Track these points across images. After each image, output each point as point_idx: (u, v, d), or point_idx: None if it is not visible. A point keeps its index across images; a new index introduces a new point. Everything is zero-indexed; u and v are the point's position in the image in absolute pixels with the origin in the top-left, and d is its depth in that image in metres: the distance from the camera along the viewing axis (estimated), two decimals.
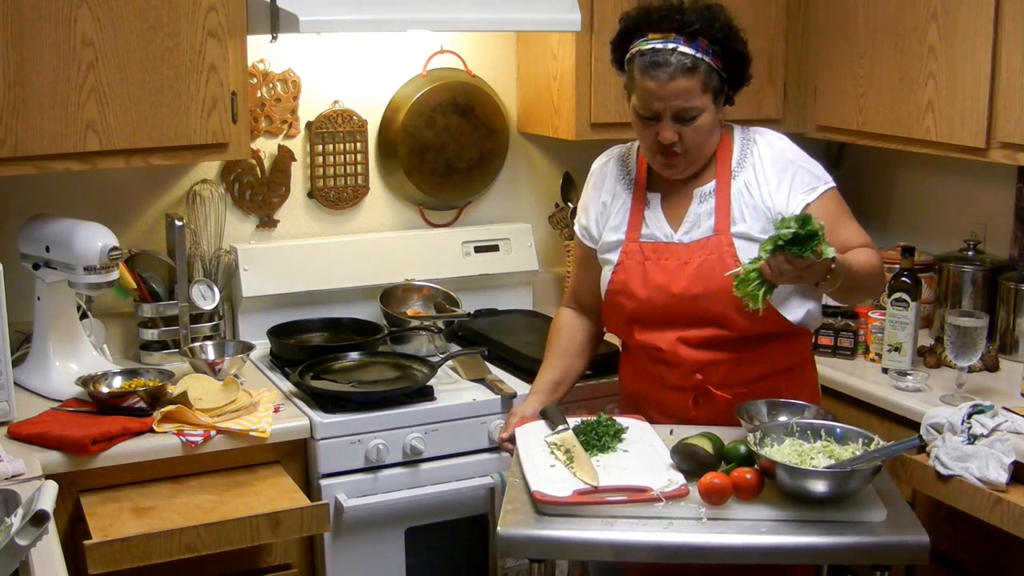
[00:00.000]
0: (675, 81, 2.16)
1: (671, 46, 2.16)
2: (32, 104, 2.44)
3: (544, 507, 1.92)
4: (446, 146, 3.26)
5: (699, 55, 2.17)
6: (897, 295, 2.78)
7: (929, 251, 3.15)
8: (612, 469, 2.03)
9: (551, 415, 2.29)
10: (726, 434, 2.11)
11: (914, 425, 2.55)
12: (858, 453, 1.98)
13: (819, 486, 1.89)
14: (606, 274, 2.37)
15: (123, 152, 2.58)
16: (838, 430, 2.06)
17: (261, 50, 2.98)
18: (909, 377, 2.71)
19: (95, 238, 2.55)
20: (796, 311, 2.27)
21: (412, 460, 2.62)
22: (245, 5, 2.64)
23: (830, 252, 2.00)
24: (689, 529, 1.88)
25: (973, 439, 2.33)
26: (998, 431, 2.34)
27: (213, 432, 2.42)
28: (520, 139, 3.42)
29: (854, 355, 2.96)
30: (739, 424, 2.17)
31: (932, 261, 3.12)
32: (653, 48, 2.17)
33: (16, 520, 1.61)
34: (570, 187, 3.44)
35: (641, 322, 2.32)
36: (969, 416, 2.38)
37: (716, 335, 2.27)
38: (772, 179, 2.27)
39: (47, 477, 2.12)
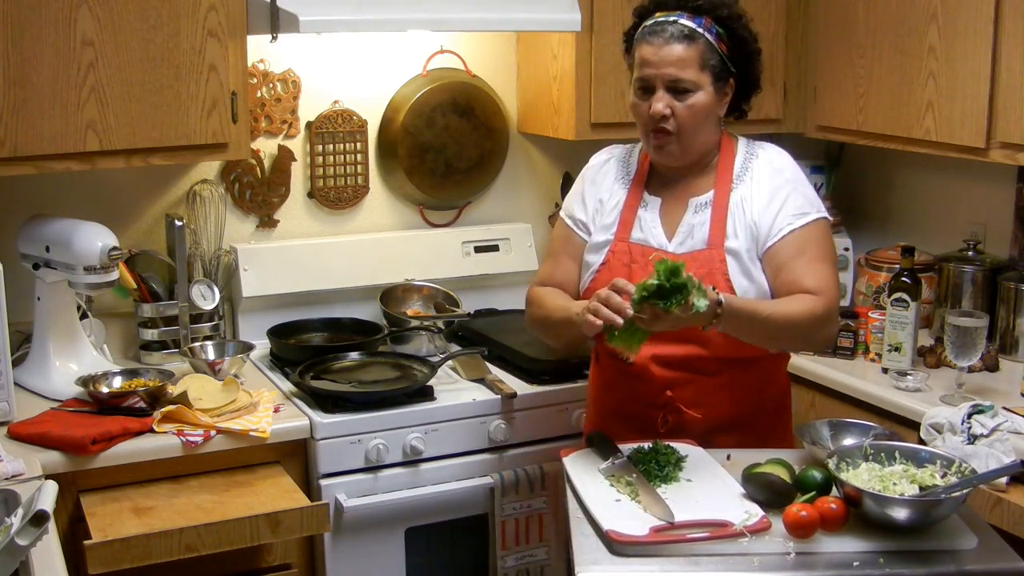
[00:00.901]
0: (670, 46, 2.13)
1: (673, 18, 2.16)
2: (32, 104, 2.44)
3: (620, 547, 1.78)
4: (446, 146, 3.26)
5: (699, 29, 2.14)
6: (897, 295, 2.78)
7: (929, 251, 3.15)
8: (682, 502, 1.89)
9: (600, 443, 2.12)
10: (787, 457, 2.02)
11: (914, 425, 2.55)
12: (937, 475, 1.87)
13: (909, 514, 1.79)
14: (587, 274, 2.29)
15: (123, 152, 2.58)
16: (923, 453, 1.95)
17: (261, 50, 2.98)
18: (909, 377, 2.71)
19: (95, 238, 2.55)
20: None
21: (412, 460, 2.62)
22: (245, 5, 2.64)
23: (702, 305, 1.91)
24: (779, 566, 1.75)
25: (973, 439, 2.33)
26: (998, 431, 2.34)
27: (213, 432, 2.42)
28: (520, 139, 3.42)
29: (854, 355, 2.96)
30: (730, 444, 2.10)
31: (932, 261, 3.12)
32: (656, 21, 2.17)
33: (16, 520, 1.61)
34: (570, 187, 3.43)
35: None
36: (969, 416, 2.38)
37: (693, 354, 2.20)
38: (764, 197, 2.21)
39: (47, 477, 2.12)
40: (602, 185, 2.35)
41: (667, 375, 2.22)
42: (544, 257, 2.51)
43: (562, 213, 2.40)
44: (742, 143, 2.31)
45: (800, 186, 2.24)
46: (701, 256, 2.19)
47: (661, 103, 2.15)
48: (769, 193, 2.22)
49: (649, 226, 2.26)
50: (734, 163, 2.27)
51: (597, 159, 2.42)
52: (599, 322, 1.96)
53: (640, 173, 2.33)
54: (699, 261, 2.18)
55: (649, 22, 2.19)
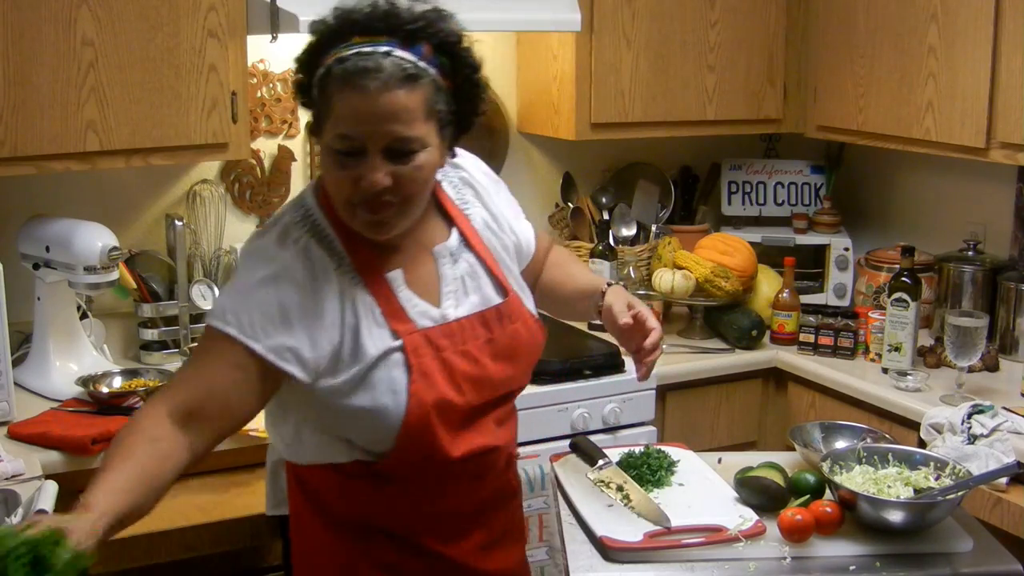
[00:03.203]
0: (391, 93, 1.54)
1: (383, 48, 1.56)
2: (32, 104, 2.44)
3: (615, 553, 1.77)
4: None
5: (421, 63, 1.59)
6: (897, 295, 2.78)
7: (929, 251, 3.15)
8: (675, 506, 1.87)
9: (585, 448, 2.06)
10: (780, 460, 2.01)
11: (914, 425, 2.55)
12: (932, 478, 1.87)
13: (904, 517, 1.78)
14: (389, 398, 1.63)
15: (123, 152, 2.58)
16: (917, 456, 1.95)
17: (261, 50, 2.98)
18: (909, 377, 2.71)
19: (95, 238, 2.55)
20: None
21: None
22: (245, 5, 2.64)
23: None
24: (774, 571, 1.74)
25: (973, 439, 2.33)
26: (998, 431, 2.34)
27: None
28: (520, 139, 3.42)
29: (854, 355, 2.96)
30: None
31: (932, 261, 3.12)
32: (358, 52, 1.56)
33: (16, 520, 1.61)
34: (570, 187, 3.44)
35: (459, 427, 1.70)
36: (969, 416, 2.38)
37: (510, 401, 1.86)
38: (503, 204, 1.88)
39: (47, 477, 2.12)
40: (307, 287, 1.62)
41: (508, 433, 1.86)
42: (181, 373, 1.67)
43: (244, 338, 1.57)
44: None
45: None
46: (503, 311, 1.76)
47: (380, 172, 1.57)
48: (505, 199, 1.91)
49: (412, 304, 1.69)
50: (445, 188, 1.81)
51: (270, 251, 1.64)
52: None
53: (352, 246, 1.67)
54: (503, 315, 1.76)
55: (347, 53, 1.56)
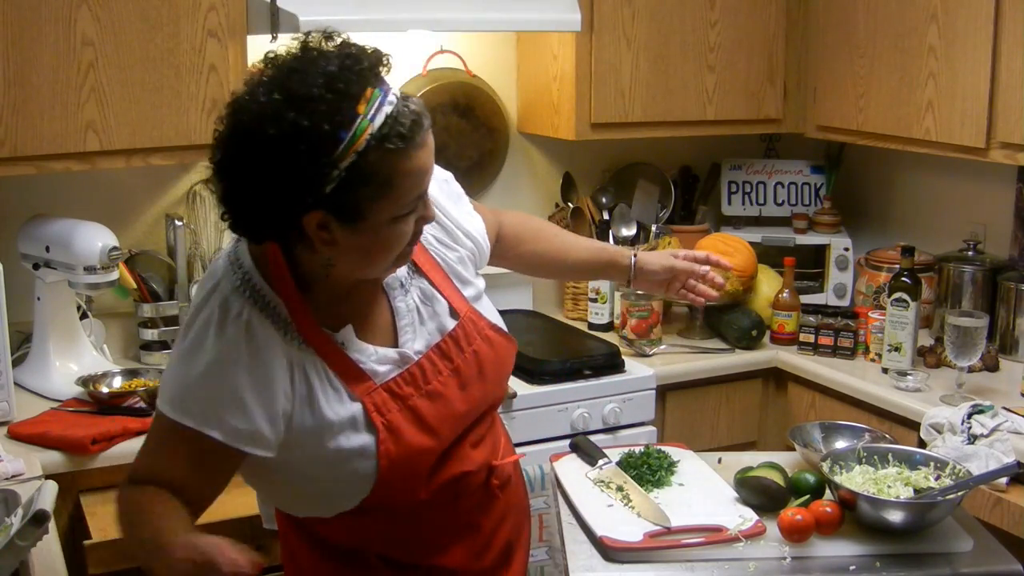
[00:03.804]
0: (431, 142, 1.53)
1: (389, 97, 1.47)
2: (32, 104, 2.44)
3: (615, 553, 1.77)
4: (446, 146, 3.25)
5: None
6: (897, 295, 2.78)
7: (929, 251, 3.15)
8: (676, 506, 1.87)
9: (585, 447, 2.06)
10: (779, 460, 2.00)
11: (914, 425, 2.55)
12: (931, 478, 1.87)
13: (904, 517, 1.78)
14: (359, 463, 1.56)
15: (123, 152, 2.58)
16: (917, 456, 1.94)
17: (261, 50, 2.96)
18: (909, 377, 2.71)
19: (95, 238, 2.55)
20: None
21: None
22: (245, 5, 2.64)
23: None
24: (775, 571, 1.74)
25: (973, 439, 2.33)
26: (998, 431, 2.34)
27: None
28: (520, 139, 3.42)
29: (854, 355, 2.96)
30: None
31: (932, 261, 3.12)
32: (411, 109, 1.48)
33: (16, 520, 1.61)
34: (570, 187, 3.44)
35: (435, 465, 1.65)
36: (969, 416, 2.38)
37: (488, 418, 1.79)
38: (450, 206, 1.77)
39: (47, 477, 2.12)
40: (261, 358, 1.51)
41: (484, 453, 1.77)
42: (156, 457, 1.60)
43: (199, 427, 1.50)
44: None
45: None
46: (457, 335, 1.68)
47: (429, 209, 1.56)
48: (455, 201, 1.79)
49: (366, 358, 1.60)
50: None
51: (225, 333, 1.51)
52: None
53: (296, 313, 1.56)
54: (464, 338, 1.68)
55: (378, 122, 1.43)
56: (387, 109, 1.44)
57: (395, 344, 1.63)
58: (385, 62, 1.49)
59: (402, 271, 1.66)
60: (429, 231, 1.69)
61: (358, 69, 1.45)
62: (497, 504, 1.80)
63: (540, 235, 2.09)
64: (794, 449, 2.08)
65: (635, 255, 2.08)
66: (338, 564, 1.70)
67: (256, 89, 1.45)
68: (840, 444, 2.06)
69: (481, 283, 1.80)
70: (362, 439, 1.55)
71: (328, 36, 1.50)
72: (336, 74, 1.43)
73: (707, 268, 2.08)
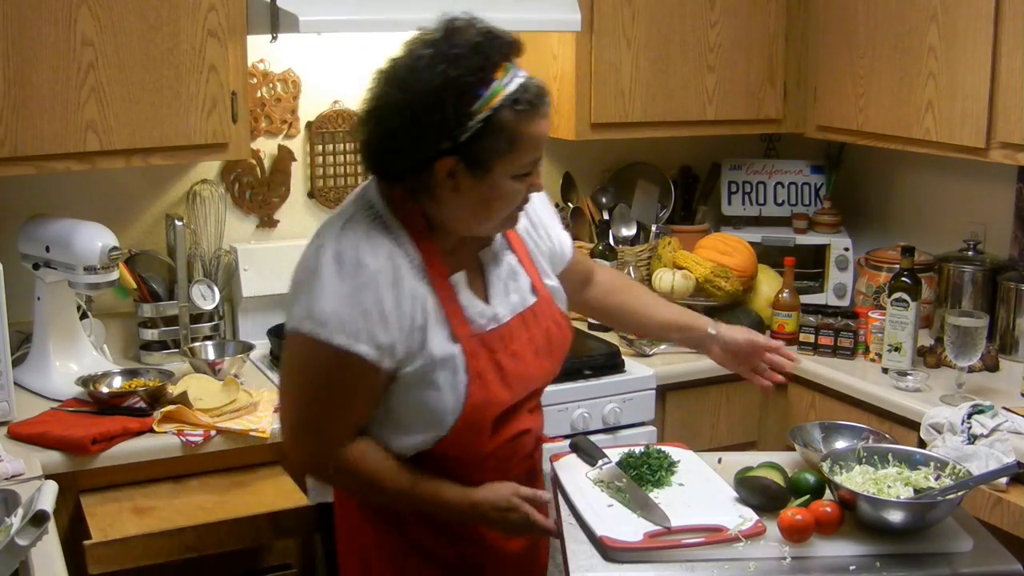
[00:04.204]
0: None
1: (523, 73, 1.73)
2: (32, 104, 2.44)
3: (615, 553, 1.76)
4: None
5: None
6: (897, 295, 2.78)
7: (929, 251, 3.15)
8: (676, 506, 1.86)
9: (585, 447, 2.06)
10: (779, 460, 2.00)
11: (914, 425, 2.55)
12: (931, 478, 1.86)
13: (904, 517, 1.78)
14: (449, 397, 1.76)
15: (123, 152, 2.58)
16: (917, 456, 1.93)
17: (261, 50, 2.98)
18: (909, 377, 2.71)
19: (95, 238, 2.55)
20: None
21: None
22: (245, 5, 2.64)
23: None
24: (775, 571, 1.73)
25: (973, 439, 2.33)
26: (998, 431, 2.34)
27: (213, 432, 2.42)
28: None
29: (854, 355, 2.96)
30: None
31: (932, 261, 3.12)
32: (536, 86, 1.72)
33: (16, 520, 1.61)
34: (570, 187, 3.44)
35: (502, 420, 1.84)
36: (969, 416, 2.38)
37: (541, 392, 1.99)
38: (540, 208, 1.99)
39: (47, 477, 2.12)
40: (402, 288, 1.71)
41: (537, 418, 2.00)
42: (314, 409, 1.80)
43: (344, 343, 1.68)
44: None
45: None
46: (537, 311, 1.90)
47: (539, 177, 1.79)
48: (545, 209, 2.03)
49: (472, 306, 1.81)
50: None
51: (373, 259, 1.70)
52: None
53: (427, 255, 1.77)
54: (539, 316, 1.90)
55: (512, 87, 1.67)
56: (519, 80, 1.68)
57: (488, 299, 1.85)
58: (519, 49, 1.72)
59: (499, 241, 1.88)
60: (524, 222, 1.90)
61: (498, 44, 1.68)
62: (537, 480, 1.99)
63: (631, 291, 2.28)
64: (794, 449, 2.07)
65: (716, 325, 2.21)
66: (385, 527, 1.87)
67: (410, 48, 1.68)
68: (840, 444, 2.06)
69: (556, 283, 1.99)
70: (457, 378, 1.75)
71: (472, 19, 1.70)
72: (480, 43, 1.66)
73: (782, 345, 2.20)
